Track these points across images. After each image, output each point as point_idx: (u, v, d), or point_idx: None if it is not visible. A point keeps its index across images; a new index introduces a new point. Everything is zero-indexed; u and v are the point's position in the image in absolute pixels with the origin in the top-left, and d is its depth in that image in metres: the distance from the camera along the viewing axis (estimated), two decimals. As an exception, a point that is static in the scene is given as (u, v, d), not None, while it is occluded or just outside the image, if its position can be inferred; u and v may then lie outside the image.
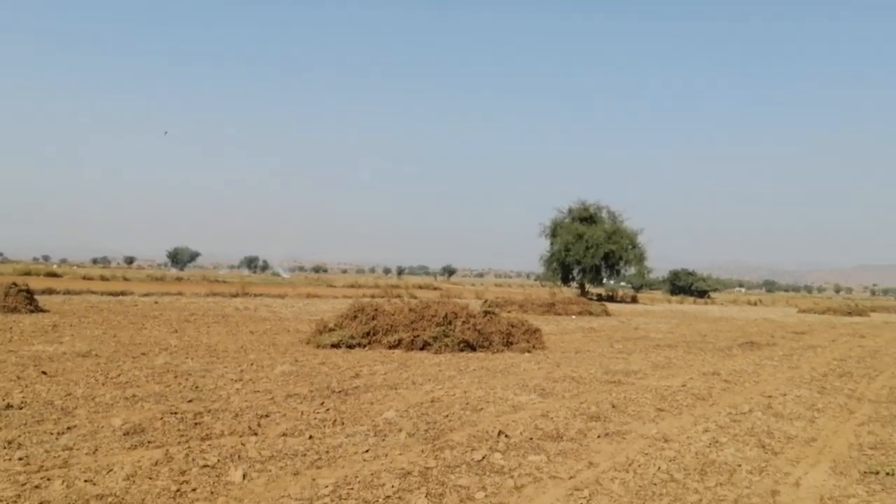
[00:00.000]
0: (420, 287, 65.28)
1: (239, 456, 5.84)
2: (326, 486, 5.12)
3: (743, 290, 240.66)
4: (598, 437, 7.19)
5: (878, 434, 7.95)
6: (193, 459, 5.67)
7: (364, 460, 5.92)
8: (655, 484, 5.51)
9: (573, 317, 32.50)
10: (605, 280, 65.83)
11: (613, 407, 8.90)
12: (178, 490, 4.91)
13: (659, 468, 5.95)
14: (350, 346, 14.56)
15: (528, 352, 15.27)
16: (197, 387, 9.12)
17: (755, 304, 79.22)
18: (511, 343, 15.61)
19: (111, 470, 5.29)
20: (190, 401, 8.18)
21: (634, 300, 64.95)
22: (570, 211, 63.78)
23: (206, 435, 6.55)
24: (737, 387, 11.27)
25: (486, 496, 5.08)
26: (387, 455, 6.11)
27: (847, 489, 5.65)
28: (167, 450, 5.91)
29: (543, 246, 64.89)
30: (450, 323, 15.30)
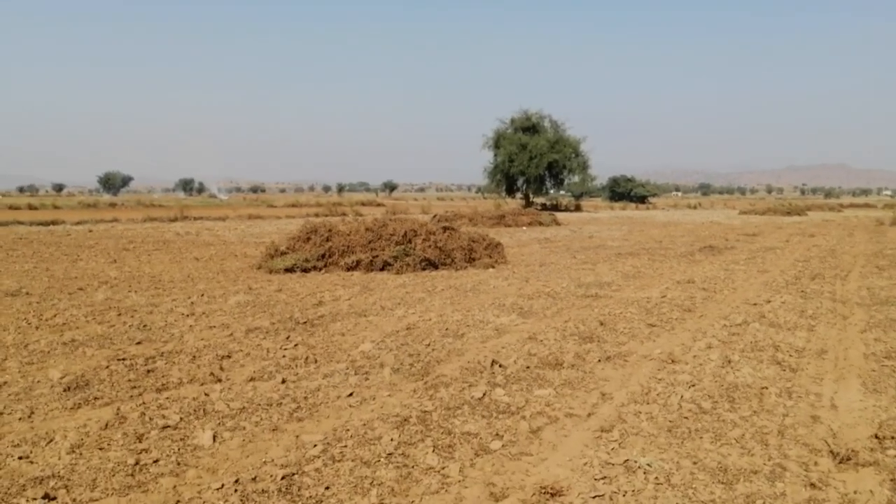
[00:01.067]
0: (363, 204, 64.05)
1: (204, 410, 5.00)
2: (314, 445, 4.33)
3: (679, 194, 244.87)
4: (599, 361, 6.54)
5: (886, 341, 7.50)
6: (151, 419, 4.81)
7: (350, 406, 5.15)
8: (687, 417, 4.87)
9: (524, 228, 32.01)
10: (549, 190, 65.63)
11: (602, 325, 8.28)
12: (136, 463, 4.06)
13: (682, 397, 5.32)
14: (305, 270, 13.66)
15: (492, 267, 14.60)
16: (145, 325, 8.17)
17: (695, 207, 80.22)
18: (473, 259, 14.90)
19: (51, 440, 4.40)
20: (138, 342, 7.25)
21: (578, 208, 64.93)
22: (513, 121, 62.80)
23: (163, 385, 5.67)
24: (717, 295, 10.78)
25: (502, 446, 4.36)
26: (374, 398, 5.35)
27: (890, 410, 5.11)
28: (118, 407, 5.03)
29: (486, 158, 64.15)
30: (409, 241, 14.48)
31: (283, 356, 6.67)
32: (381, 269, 13.75)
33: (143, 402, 5.16)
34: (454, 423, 4.75)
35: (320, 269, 13.79)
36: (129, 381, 5.78)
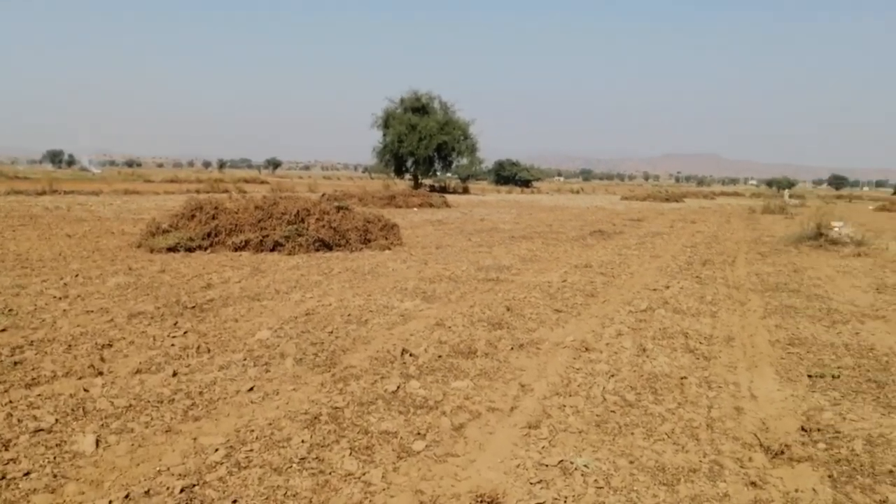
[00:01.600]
0: (246, 181, 61.93)
1: (84, 410, 4.41)
2: (216, 450, 3.86)
3: (562, 178, 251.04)
4: (512, 349, 6.30)
5: (786, 328, 7.64)
6: (19, 421, 4.18)
7: (252, 402, 4.67)
8: (614, 411, 4.68)
9: (415, 209, 31.73)
10: (438, 172, 65.53)
11: (509, 310, 8.07)
12: (2, 477, 3.47)
13: (604, 388, 5.14)
14: (189, 250, 12.85)
15: (388, 249, 14.20)
16: (10, 309, 7.32)
17: (578, 192, 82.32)
18: (369, 240, 14.46)
19: None
20: (2, 329, 6.46)
21: (466, 191, 65.17)
22: (403, 101, 62.10)
23: (33, 380, 4.99)
24: (617, 280, 10.81)
25: (426, 447, 4.02)
26: (278, 392, 4.89)
27: (809, 400, 5.09)
28: (-21, 408, 4.38)
29: (374, 138, 63.37)
30: (302, 221, 13.88)
31: (172, 345, 6.08)
32: (272, 250, 13.11)
33: (10, 401, 4.50)
34: (370, 421, 4.37)
35: (206, 249, 13.01)
36: (-7, 374, 5.08)
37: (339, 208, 15.49)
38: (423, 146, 59.00)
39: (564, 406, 4.73)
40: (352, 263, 11.83)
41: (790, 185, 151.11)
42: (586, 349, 6.33)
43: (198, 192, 39.66)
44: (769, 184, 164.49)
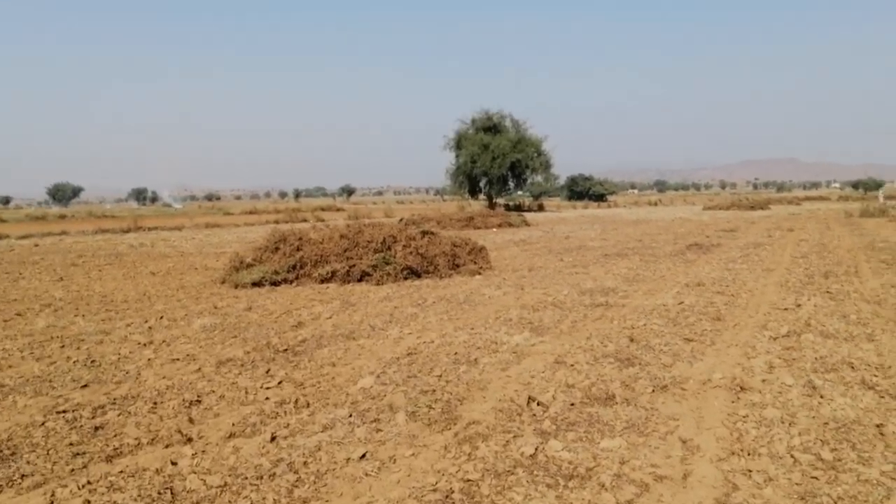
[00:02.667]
0: (323, 209, 62.33)
1: (172, 492, 3.71)
2: (334, 548, 3.08)
3: (636, 191, 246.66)
4: (653, 391, 5.39)
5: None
6: (99, 510, 3.51)
7: (367, 475, 3.90)
8: (815, 477, 3.72)
9: (494, 230, 30.96)
10: (512, 190, 64.68)
11: (632, 341, 7.14)
12: None
13: (789, 444, 4.19)
14: (275, 283, 12.33)
15: (479, 273, 13.41)
16: (93, 360, 6.79)
17: (656, 204, 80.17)
18: (457, 265, 13.70)
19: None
20: (84, 385, 5.90)
21: (541, 208, 64.10)
22: (474, 121, 61.63)
23: (115, 450, 4.34)
24: (738, 299, 9.73)
25: (596, 539, 3.16)
26: (395, 460, 4.11)
27: None
28: (52, 491, 3.73)
29: (446, 159, 63.05)
30: (388, 248, 13.23)
31: (267, 398, 5.39)
32: (360, 280, 12.49)
33: (89, 481, 3.85)
34: (514, 500, 3.54)
35: (291, 282, 12.47)
36: (71, 444, 4.46)
37: (423, 233, 14.81)
38: (497, 165, 58.29)
39: (750, 471, 3.81)
40: (444, 291, 11.08)
41: (878, 185, 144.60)
42: (741, 388, 5.37)
43: (276, 222, 39.86)
44: (855, 186, 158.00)
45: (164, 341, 7.64)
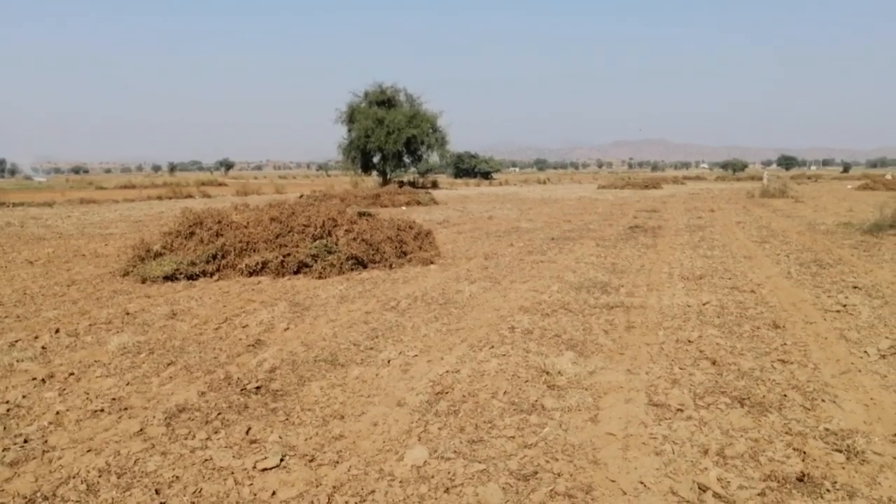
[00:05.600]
0: (204, 184, 58.45)
1: None
2: None
3: (517, 169, 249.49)
4: (847, 459, 3.74)
5: None
6: None
7: None
8: None
9: (403, 208, 29.12)
10: (408, 166, 62.67)
11: (714, 364, 5.52)
12: None
13: None
14: (191, 277, 10.07)
15: (431, 263, 11.53)
16: (-31, 414, 4.54)
17: (544, 182, 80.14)
18: (405, 252, 11.76)
19: None
20: (-40, 468, 3.70)
21: (435, 185, 62.51)
22: (367, 95, 59.04)
23: None
24: (764, 298, 8.31)
25: None
26: None
27: None
28: None
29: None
30: (329, 233, 11.14)
31: (266, 491, 3.39)
32: (296, 272, 10.38)
33: None
34: None
35: (212, 275, 10.22)
36: None
37: (360, 215, 12.79)
38: (392, 141, 56.09)
39: None
40: (409, 288, 9.16)
41: (743, 166, 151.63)
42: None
43: (160, 198, 36.49)
44: (724, 166, 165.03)
45: (70, 374, 5.40)
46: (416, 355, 5.84)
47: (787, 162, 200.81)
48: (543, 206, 28.70)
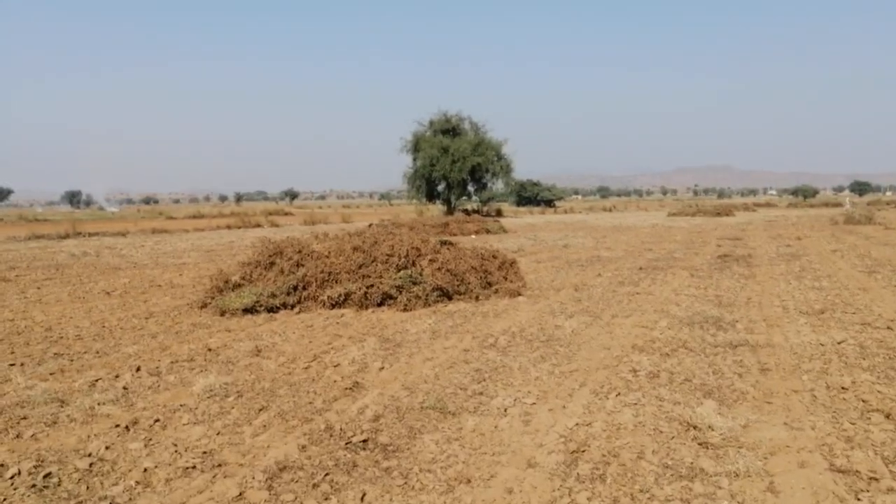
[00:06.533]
0: (272, 213, 58.90)
1: None
2: None
3: (580, 197, 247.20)
4: None
5: None
6: None
7: None
8: None
9: (472, 236, 28.54)
10: (472, 195, 62.21)
11: (887, 418, 4.69)
12: None
13: None
14: (272, 309, 9.60)
15: (519, 294, 10.86)
16: (47, 476, 4.02)
17: (610, 210, 78.81)
18: (490, 283, 11.12)
19: None
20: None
21: (499, 213, 61.87)
22: (432, 124, 58.94)
23: None
24: (907, 337, 7.39)
25: None
26: None
27: None
28: None
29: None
30: (413, 263, 10.59)
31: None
32: (380, 304, 9.84)
33: None
34: None
35: (293, 307, 9.74)
36: None
37: (442, 243, 12.22)
38: (457, 169, 55.78)
39: None
40: (503, 323, 8.51)
41: (814, 193, 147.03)
42: None
43: (228, 227, 36.68)
44: (794, 193, 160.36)
45: (156, 420, 4.89)
46: (533, 403, 5.17)
47: (860, 187, 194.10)
48: (618, 234, 27.79)
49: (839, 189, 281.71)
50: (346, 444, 4.35)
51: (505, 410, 5.00)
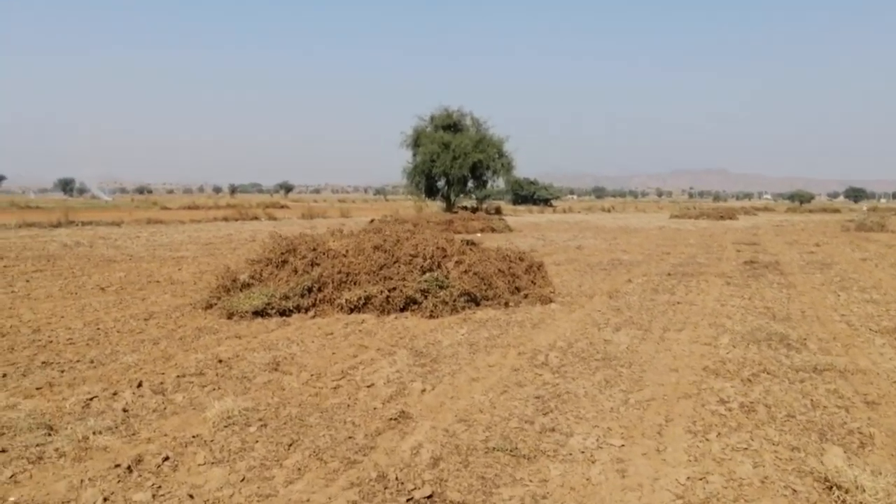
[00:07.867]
0: (268, 206, 57.79)
1: None
2: None
3: (575, 197, 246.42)
4: None
5: None
6: None
7: None
8: None
9: (478, 234, 27.62)
10: (471, 192, 61.22)
11: None
12: None
13: None
14: (284, 313, 8.68)
15: (551, 301, 9.97)
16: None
17: (609, 210, 77.91)
18: (519, 288, 10.21)
19: None
20: None
21: (499, 211, 60.96)
22: (433, 119, 57.93)
23: None
24: None
25: None
26: None
27: None
28: None
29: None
30: (438, 265, 9.69)
31: None
32: (403, 309, 8.94)
33: None
34: None
35: (307, 311, 8.83)
36: None
37: (466, 243, 11.33)
38: (458, 165, 54.77)
39: None
40: (546, 336, 7.62)
41: (809, 198, 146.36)
42: None
43: (225, 219, 35.67)
44: (790, 198, 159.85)
45: (164, 458, 3.98)
46: (622, 445, 4.28)
47: (855, 194, 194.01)
48: (627, 237, 26.93)
49: (834, 195, 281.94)
50: (408, 501, 3.45)
51: (591, 456, 4.10)
